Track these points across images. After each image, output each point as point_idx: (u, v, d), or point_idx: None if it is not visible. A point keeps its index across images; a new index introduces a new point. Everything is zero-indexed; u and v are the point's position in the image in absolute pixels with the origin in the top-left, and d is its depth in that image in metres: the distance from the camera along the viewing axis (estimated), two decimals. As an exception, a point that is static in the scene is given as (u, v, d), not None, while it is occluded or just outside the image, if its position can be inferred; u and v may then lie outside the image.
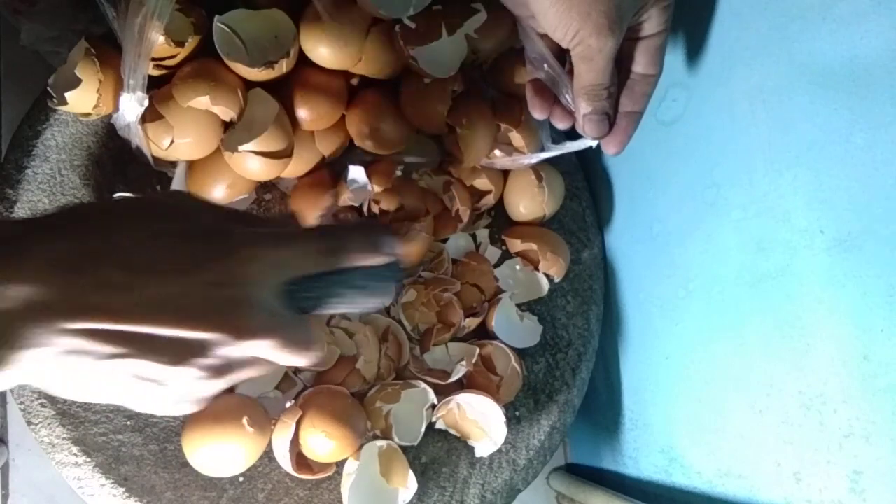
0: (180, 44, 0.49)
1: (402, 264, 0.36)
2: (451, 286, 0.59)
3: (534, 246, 0.59)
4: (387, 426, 0.55)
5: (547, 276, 0.61)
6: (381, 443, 0.54)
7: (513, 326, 0.60)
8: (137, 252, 0.30)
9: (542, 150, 0.56)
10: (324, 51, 0.52)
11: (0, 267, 0.27)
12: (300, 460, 0.52)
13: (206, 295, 0.30)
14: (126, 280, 0.29)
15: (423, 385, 0.56)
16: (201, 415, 0.51)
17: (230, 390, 0.52)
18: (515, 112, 0.57)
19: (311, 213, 0.55)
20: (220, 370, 0.31)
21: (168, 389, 0.31)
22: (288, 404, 0.54)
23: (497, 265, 0.61)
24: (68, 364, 0.29)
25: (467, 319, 0.58)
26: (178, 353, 0.30)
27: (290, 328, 0.32)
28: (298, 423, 0.51)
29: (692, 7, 0.50)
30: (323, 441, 0.51)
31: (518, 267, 0.61)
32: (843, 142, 0.38)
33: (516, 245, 0.61)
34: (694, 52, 0.51)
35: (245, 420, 0.49)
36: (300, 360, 0.33)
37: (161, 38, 0.47)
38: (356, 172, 0.56)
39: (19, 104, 0.63)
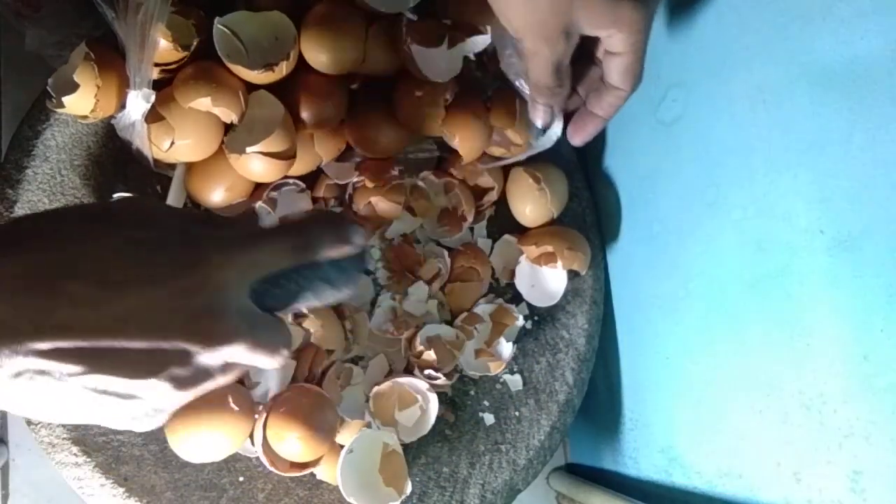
0: (186, 48, 0.49)
1: (368, 255, 0.35)
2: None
3: (549, 248, 0.59)
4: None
5: (571, 271, 0.60)
6: (382, 436, 0.54)
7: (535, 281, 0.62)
8: (102, 264, 0.28)
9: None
10: (324, 57, 0.52)
11: None
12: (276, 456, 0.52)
13: (173, 305, 0.29)
14: (90, 294, 0.28)
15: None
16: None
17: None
18: (510, 110, 0.57)
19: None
20: (192, 379, 0.31)
21: (140, 403, 0.30)
22: (271, 393, 0.53)
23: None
24: (34, 386, 0.28)
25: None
26: (149, 365, 0.29)
27: (262, 329, 0.32)
28: (265, 425, 0.51)
29: (692, 7, 0.50)
30: (290, 443, 0.50)
31: (533, 268, 0.61)
32: (843, 142, 0.38)
33: (533, 252, 0.60)
34: (694, 52, 0.51)
35: (230, 398, 0.49)
36: (272, 361, 0.33)
37: (166, 42, 0.47)
38: (328, 167, 0.58)
39: (19, 104, 0.63)
